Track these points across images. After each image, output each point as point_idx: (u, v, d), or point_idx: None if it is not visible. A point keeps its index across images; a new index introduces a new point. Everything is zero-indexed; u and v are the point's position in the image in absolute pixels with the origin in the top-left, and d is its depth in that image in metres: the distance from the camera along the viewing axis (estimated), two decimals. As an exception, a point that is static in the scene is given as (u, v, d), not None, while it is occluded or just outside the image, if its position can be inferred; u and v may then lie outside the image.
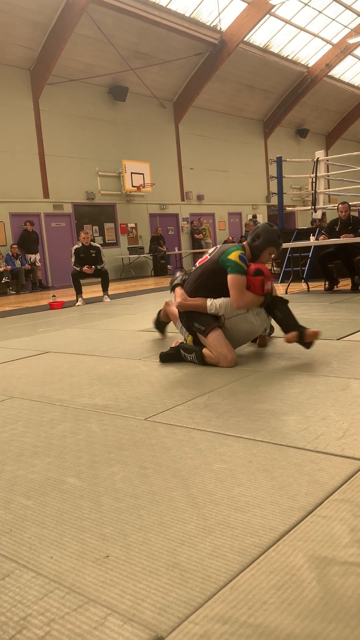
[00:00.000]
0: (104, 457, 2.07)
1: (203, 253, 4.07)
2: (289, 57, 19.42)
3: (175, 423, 2.40)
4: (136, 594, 1.24)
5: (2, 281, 12.83)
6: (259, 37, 17.63)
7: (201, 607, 1.18)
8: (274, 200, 17.47)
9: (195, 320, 3.55)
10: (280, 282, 8.70)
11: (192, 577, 1.28)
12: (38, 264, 13.93)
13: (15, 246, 13.40)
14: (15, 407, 2.90)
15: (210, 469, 1.88)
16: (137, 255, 16.48)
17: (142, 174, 16.40)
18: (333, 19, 18.27)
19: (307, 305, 6.19)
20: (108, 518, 1.60)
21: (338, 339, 4.03)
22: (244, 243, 3.72)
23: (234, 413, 2.47)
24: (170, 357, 3.66)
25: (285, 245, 8.19)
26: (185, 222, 18.69)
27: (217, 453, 2.02)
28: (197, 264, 3.84)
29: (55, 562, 1.40)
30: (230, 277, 3.48)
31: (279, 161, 9.82)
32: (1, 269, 12.84)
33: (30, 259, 13.71)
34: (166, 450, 2.09)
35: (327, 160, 10.77)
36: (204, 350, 3.48)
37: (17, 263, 13.25)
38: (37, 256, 13.98)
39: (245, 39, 16.73)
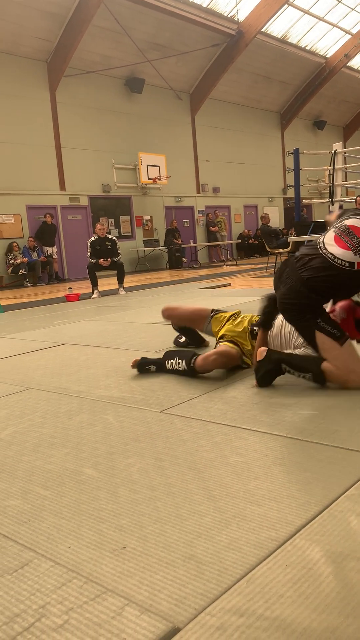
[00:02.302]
0: (120, 449, 2.08)
1: (322, 233, 2.94)
2: (307, 48, 19.19)
3: (192, 416, 2.41)
4: (153, 585, 1.25)
5: (19, 273, 12.93)
6: (276, 27, 17.43)
7: (217, 599, 1.18)
8: (291, 193, 17.35)
9: (324, 320, 2.63)
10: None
11: (209, 570, 1.29)
12: (55, 256, 14.02)
13: (31, 239, 13.48)
14: (33, 399, 2.92)
15: (227, 462, 1.89)
16: (152, 248, 16.48)
17: (158, 166, 16.37)
18: (352, 9, 18.00)
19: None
20: (125, 509, 1.62)
21: (355, 333, 3.99)
22: None
23: (250, 407, 2.47)
24: (271, 377, 2.77)
25: (302, 237, 8.13)
26: (201, 215, 18.63)
27: (233, 446, 2.02)
28: (336, 247, 2.62)
29: (73, 552, 1.41)
30: None
31: (296, 153, 9.74)
32: (18, 261, 12.93)
33: (47, 252, 13.79)
34: (182, 443, 2.09)
35: (345, 153, 10.65)
36: (324, 365, 2.61)
37: (34, 255, 13.34)
38: (54, 248, 14.06)
39: (262, 30, 16.57)
